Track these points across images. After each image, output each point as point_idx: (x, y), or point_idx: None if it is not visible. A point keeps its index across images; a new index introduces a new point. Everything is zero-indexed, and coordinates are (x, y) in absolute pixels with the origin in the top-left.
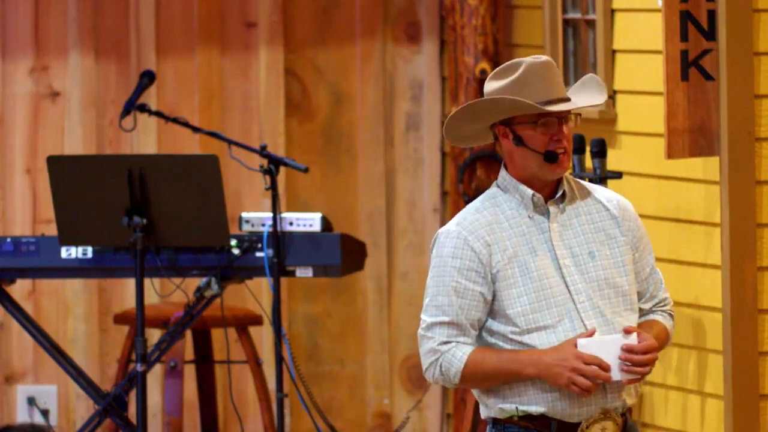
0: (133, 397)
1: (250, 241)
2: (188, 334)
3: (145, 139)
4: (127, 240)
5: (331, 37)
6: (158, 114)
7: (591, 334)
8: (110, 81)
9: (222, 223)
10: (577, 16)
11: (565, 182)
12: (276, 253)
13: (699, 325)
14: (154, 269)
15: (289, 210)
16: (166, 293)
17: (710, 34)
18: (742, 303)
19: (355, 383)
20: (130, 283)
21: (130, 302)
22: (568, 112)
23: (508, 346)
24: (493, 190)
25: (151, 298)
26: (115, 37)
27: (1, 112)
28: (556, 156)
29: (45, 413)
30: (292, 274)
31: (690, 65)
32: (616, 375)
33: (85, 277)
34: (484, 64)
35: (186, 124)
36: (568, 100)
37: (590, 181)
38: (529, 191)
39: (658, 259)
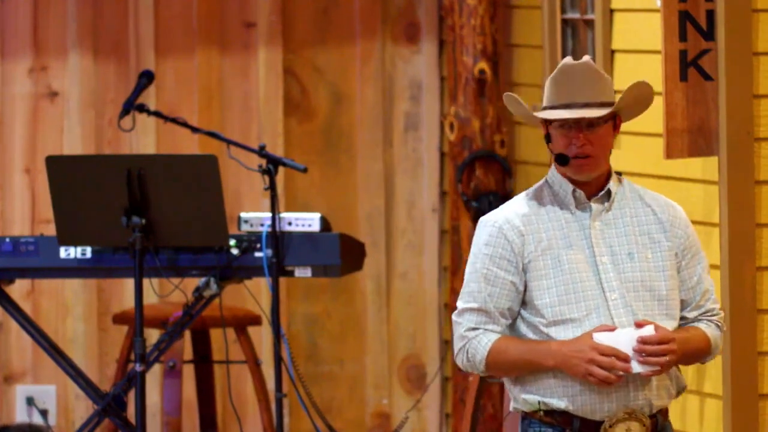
0: (132, 397)
1: (249, 241)
2: (187, 334)
3: (144, 139)
4: (126, 240)
5: (330, 37)
6: (157, 114)
7: (611, 330)
8: (109, 81)
9: (221, 223)
10: (576, 16)
11: (614, 182)
12: (275, 253)
13: None
14: (153, 269)
15: (288, 210)
16: (165, 293)
17: (709, 34)
18: (741, 303)
19: (354, 383)
20: (129, 283)
21: (129, 302)
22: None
23: (535, 337)
24: (541, 182)
25: (150, 298)
26: (115, 38)
27: (0, 112)
28: (566, 159)
29: (44, 413)
30: (291, 274)
31: (689, 65)
32: (635, 368)
33: (84, 277)
34: (482, 64)
35: (185, 124)
36: (593, 105)
37: None
38: (570, 186)
39: None
